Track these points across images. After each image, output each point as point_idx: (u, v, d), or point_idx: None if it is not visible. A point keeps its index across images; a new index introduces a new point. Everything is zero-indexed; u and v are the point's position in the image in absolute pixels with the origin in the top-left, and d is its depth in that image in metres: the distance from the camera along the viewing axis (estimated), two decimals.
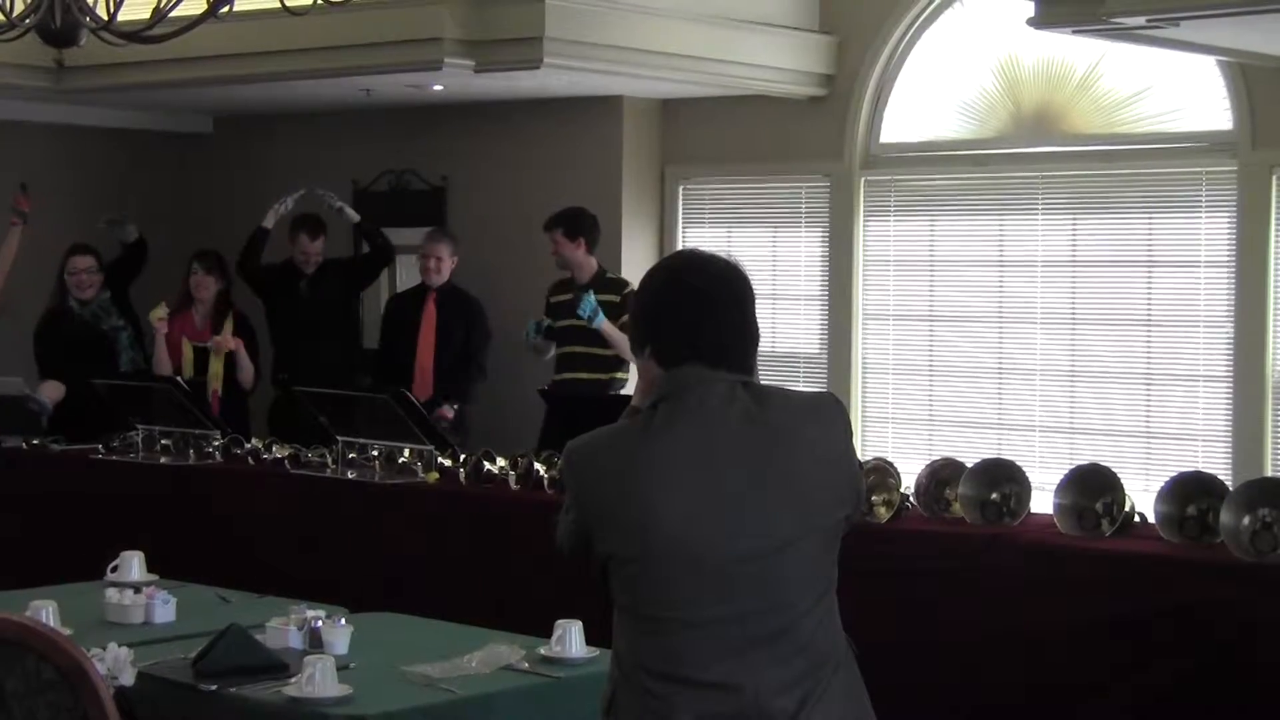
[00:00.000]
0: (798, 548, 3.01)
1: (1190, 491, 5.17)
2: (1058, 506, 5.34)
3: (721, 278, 3.10)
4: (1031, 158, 8.26)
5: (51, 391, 8.06)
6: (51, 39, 5.39)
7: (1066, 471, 5.44)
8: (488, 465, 6.53)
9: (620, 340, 7.80)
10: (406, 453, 6.73)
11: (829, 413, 3.12)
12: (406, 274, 9.41)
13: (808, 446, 3.05)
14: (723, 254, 3.15)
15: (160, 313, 8.43)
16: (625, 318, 7.80)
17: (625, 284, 8.05)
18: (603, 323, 7.87)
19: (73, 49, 5.57)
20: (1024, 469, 5.57)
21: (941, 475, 5.63)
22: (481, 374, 8.56)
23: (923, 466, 5.72)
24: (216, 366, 8.45)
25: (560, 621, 4.45)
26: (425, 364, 8.43)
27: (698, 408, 3.02)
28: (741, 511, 2.99)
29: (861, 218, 8.69)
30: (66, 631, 4.29)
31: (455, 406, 8.30)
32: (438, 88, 8.64)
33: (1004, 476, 5.52)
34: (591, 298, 7.87)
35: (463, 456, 6.67)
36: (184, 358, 8.47)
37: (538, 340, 8.11)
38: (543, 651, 4.43)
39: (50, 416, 8.09)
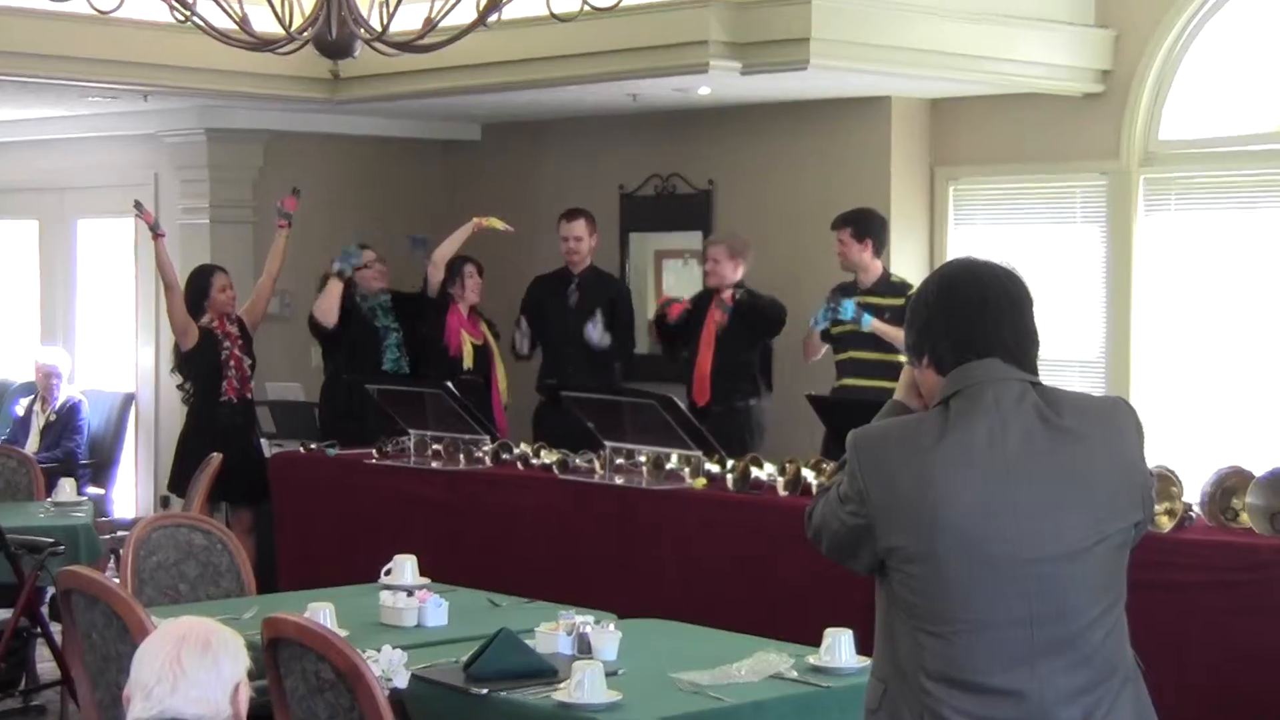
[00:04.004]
0: (1089, 554, 2.95)
1: None
2: None
3: (1007, 279, 3.07)
4: None
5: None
6: (328, 51, 5.48)
7: None
8: (755, 471, 6.48)
9: (898, 336, 7.64)
10: (674, 458, 6.71)
11: (1123, 418, 3.07)
12: (673, 278, 9.38)
13: (1103, 451, 2.99)
14: (997, 261, 3.12)
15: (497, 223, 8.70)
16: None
17: (909, 287, 7.86)
18: (872, 322, 7.71)
19: (347, 60, 5.66)
20: None
21: (1228, 484, 5.43)
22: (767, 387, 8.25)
23: (1208, 475, 5.51)
24: (501, 370, 8.64)
25: (830, 630, 4.40)
26: (704, 369, 8.17)
27: (993, 405, 2.97)
28: (1036, 514, 2.92)
29: (1140, 216, 8.43)
30: (343, 633, 4.37)
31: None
32: (704, 91, 8.62)
33: None
34: (849, 302, 7.71)
35: (730, 463, 6.62)
36: (464, 350, 8.61)
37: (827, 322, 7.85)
38: (812, 661, 4.39)
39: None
